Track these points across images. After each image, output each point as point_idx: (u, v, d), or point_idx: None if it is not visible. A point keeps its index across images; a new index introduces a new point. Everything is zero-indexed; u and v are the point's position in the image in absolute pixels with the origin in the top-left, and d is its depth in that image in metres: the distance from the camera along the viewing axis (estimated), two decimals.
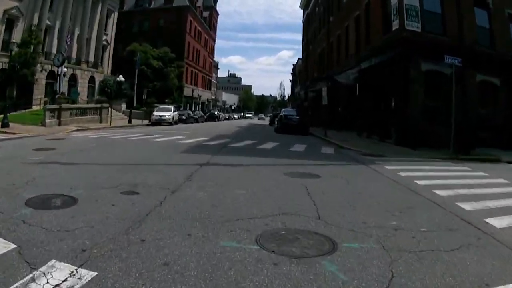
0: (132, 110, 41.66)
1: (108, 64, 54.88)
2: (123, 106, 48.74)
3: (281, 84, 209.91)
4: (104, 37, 52.79)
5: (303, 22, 70.49)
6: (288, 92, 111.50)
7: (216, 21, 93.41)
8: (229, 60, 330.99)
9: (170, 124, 36.76)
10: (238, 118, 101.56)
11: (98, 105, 34.65)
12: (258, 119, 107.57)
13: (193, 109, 68.89)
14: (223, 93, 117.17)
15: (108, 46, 54.24)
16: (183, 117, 42.01)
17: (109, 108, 36.42)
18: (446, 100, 20.68)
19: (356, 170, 10.61)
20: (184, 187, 7.26)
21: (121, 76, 48.32)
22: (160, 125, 35.79)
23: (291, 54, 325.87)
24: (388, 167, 11.16)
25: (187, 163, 9.94)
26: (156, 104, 44.57)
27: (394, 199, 7.15)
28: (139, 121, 37.51)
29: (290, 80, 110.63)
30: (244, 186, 7.52)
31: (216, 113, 67.72)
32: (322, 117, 36.18)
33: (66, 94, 40.33)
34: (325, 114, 27.94)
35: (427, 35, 19.83)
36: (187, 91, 62.03)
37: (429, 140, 17.90)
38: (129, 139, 17.04)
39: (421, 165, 12.43)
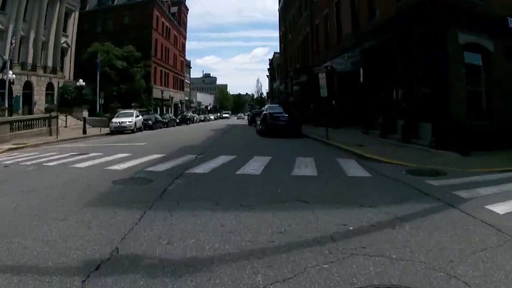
0: (94, 118, 35.79)
1: (70, 69, 48.50)
2: (85, 113, 42.50)
3: (257, 80, 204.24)
4: (64, 40, 46.40)
5: (279, 10, 65.07)
6: (266, 88, 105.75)
7: (186, 17, 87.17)
8: (204, 61, 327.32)
9: (132, 131, 30.78)
10: (215, 119, 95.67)
11: (47, 115, 28.41)
12: (238, 118, 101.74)
13: (164, 112, 62.81)
14: (198, 93, 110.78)
15: (69, 49, 47.86)
16: (149, 122, 35.99)
17: (57, 118, 30.31)
18: (487, 85, 15.47)
19: (465, 237, 5.06)
20: None
21: (81, 80, 42.18)
22: (123, 133, 29.92)
23: (266, 51, 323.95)
24: (494, 208, 5.71)
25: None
26: (119, 110, 38.50)
27: None
28: (99, 130, 31.53)
29: (267, 75, 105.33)
30: None
31: (189, 115, 61.68)
32: (310, 113, 30.90)
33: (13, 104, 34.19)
34: (323, 107, 22.38)
35: None
36: (156, 93, 55.85)
37: (477, 140, 12.48)
38: (43, 165, 11.13)
39: None
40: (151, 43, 57.44)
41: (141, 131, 33.27)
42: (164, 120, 42.42)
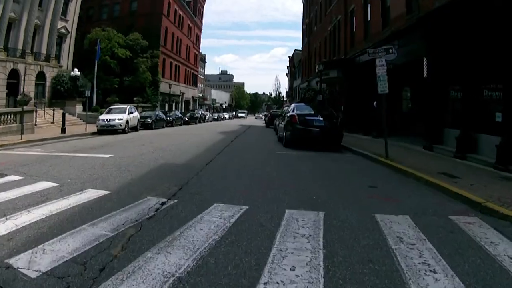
0: (90, 113, 30.50)
1: (68, 58, 43.18)
2: (79, 108, 37.40)
3: (276, 79, 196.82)
4: (62, 24, 41.06)
5: (302, 1, 59.06)
6: (285, 87, 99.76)
7: (203, 7, 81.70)
8: (221, 59, 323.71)
9: (123, 131, 25.25)
10: (230, 118, 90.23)
11: (18, 109, 23.03)
12: (256, 118, 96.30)
13: (174, 109, 57.42)
14: (212, 90, 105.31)
15: (68, 36, 42.48)
16: (148, 120, 30.41)
17: (34, 113, 25.10)
18: None
19: None
20: None
21: (76, 70, 36.92)
22: (113, 133, 24.51)
23: (285, 51, 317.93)
24: None
25: None
26: (116, 104, 33.15)
27: None
28: (84, 129, 26.17)
29: (286, 74, 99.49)
30: None
31: (200, 113, 56.13)
32: (342, 116, 24.99)
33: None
34: (372, 110, 16.59)
35: None
36: (164, 87, 50.38)
37: None
38: None
39: None
40: (159, 30, 51.92)
41: (136, 130, 27.78)
42: (168, 118, 36.80)
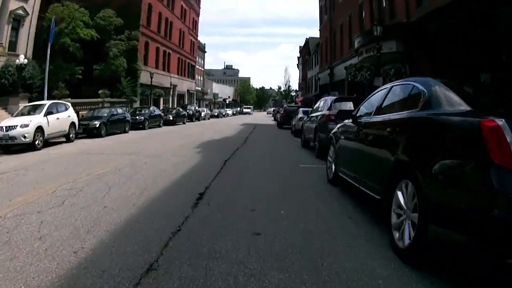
0: None
1: (28, 45, 32.09)
2: (23, 106, 26.42)
3: (285, 70, 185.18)
4: (19, 5, 29.77)
5: None
6: (297, 79, 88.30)
7: None
8: (227, 56, 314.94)
9: (32, 146, 14.33)
10: (234, 114, 79.21)
11: None
12: (267, 113, 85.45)
13: (163, 104, 46.44)
14: (214, 84, 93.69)
15: (28, 18, 31.26)
16: (95, 123, 19.47)
17: None
18: None
19: None
20: None
21: (22, 56, 26.17)
22: (11, 150, 13.63)
23: (292, 47, 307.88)
24: None
25: None
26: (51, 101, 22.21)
27: None
28: None
29: (297, 65, 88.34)
30: None
31: (193, 108, 45.04)
32: None
33: None
34: None
35: None
36: (146, 77, 39.17)
37: None
38: None
39: None
40: (140, 6, 40.88)
41: (69, 140, 16.96)
42: (139, 118, 25.87)
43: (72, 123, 17.59)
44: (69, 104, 18.68)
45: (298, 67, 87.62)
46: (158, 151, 13.00)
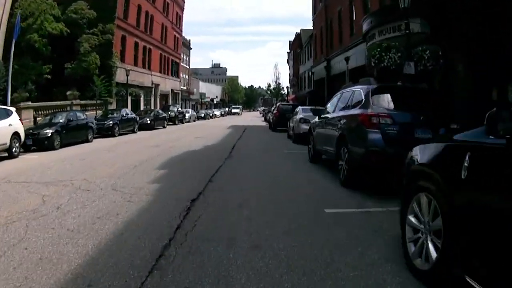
0: None
1: None
2: None
3: (275, 66, 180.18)
4: None
5: None
6: (288, 75, 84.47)
7: None
8: (215, 55, 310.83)
9: None
10: (222, 115, 75.42)
11: None
12: (260, 113, 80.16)
13: (144, 105, 42.49)
14: (201, 83, 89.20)
15: None
16: (46, 133, 15.41)
17: None
18: None
19: None
20: None
21: None
22: None
23: (280, 45, 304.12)
24: None
25: None
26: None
27: None
28: None
29: (287, 60, 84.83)
30: None
31: (176, 110, 40.76)
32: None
33: None
34: None
35: None
36: (123, 76, 35.01)
37: None
38: None
39: None
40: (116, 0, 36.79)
41: (14, 156, 13.08)
42: (107, 124, 21.91)
43: (15, 134, 13.61)
44: (13, 110, 14.65)
45: (288, 62, 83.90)
46: (98, 178, 8.51)
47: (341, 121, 8.21)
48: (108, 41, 34.11)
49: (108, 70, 33.87)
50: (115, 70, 34.89)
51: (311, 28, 46.72)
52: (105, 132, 21.42)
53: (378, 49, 12.28)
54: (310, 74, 44.89)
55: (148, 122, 28.57)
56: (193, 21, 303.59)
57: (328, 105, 10.39)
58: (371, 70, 20.60)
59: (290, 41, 79.19)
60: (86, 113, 27.69)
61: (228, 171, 9.69)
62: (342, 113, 8.44)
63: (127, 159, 11.89)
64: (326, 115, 9.78)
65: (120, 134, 22.88)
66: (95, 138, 19.82)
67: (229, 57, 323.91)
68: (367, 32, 17.66)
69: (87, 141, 18.26)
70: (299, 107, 20.34)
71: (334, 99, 9.79)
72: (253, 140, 20.14)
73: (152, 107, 43.57)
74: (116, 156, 13.06)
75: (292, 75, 70.31)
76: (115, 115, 23.91)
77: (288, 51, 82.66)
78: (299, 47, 59.43)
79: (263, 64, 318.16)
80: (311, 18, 45.62)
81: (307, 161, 11.54)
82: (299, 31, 60.29)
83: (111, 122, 22.18)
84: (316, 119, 11.13)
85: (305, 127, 16.76)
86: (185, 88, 67.68)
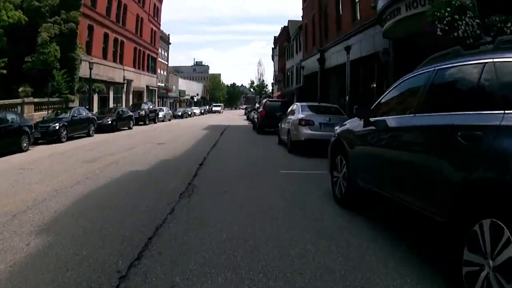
0: None
1: None
2: None
3: (259, 63, 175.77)
4: None
5: None
6: (274, 71, 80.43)
7: None
8: (198, 54, 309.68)
9: None
10: (202, 113, 71.47)
11: None
12: (244, 112, 75.47)
13: (113, 103, 38.03)
14: (180, 80, 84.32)
15: None
16: None
17: None
18: None
19: None
20: None
21: None
22: None
23: (264, 44, 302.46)
24: None
25: None
26: None
27: None
28: None
29: (272, 56, 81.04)
30: None
31: (147, 108, 36.37)
32: None
33: None
34: None
35: None
36: (86, 69, 30.44)
37: None
38: None
39: None
40: None
41: None
42: (52, 127, 17.54)
43: None
44: None
45: (273, 59, 79.94)
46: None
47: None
48: (72, 30, 29.57)
49: (71, 63, 29.42)
50: (79, 63, 30.40)
51: (300, 19, 42.88)
52: (49, 137, 17.07)
53: (448, 9, 7.89)
54: (299, 68, 41.07)
55: (109, 122, 24.29)
56: (176, 19, 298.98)
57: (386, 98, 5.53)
58: (385, 58, 16.79)
59: (275, 37, 75.27)
60: (39, 113, 23.43)
61: (182, 229, 5.01)
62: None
63: (17, 195, 7.06)
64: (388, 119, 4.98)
65: (70, 138, 18.64)
66: (39, 144, 15.52)
67: (212, 56, 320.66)
68: (385, 8, 13.77)
69: (20, 150, 13.85)
70: (297, 103, 16.31)
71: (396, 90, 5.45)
72: (232, 149, 15.54)
73: (124, 105, 39.14)
74: (8, 186, 7.95)
75: (278, 70, 66.28)
76: (63, 115, 19.47)
77: (273, 46, 78.76)
78: (286, 41, 55.46)
79: (247, 64, 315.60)
80: (301, 7, 41.73)
81: (331, 199, 6.63)
82: (286, 24, 56.44)
83: (57, 124, 17.73)
84: (355, 124, 6.04)
85: (308, 132, 12.92)
86: (162, 85, 63.13)
